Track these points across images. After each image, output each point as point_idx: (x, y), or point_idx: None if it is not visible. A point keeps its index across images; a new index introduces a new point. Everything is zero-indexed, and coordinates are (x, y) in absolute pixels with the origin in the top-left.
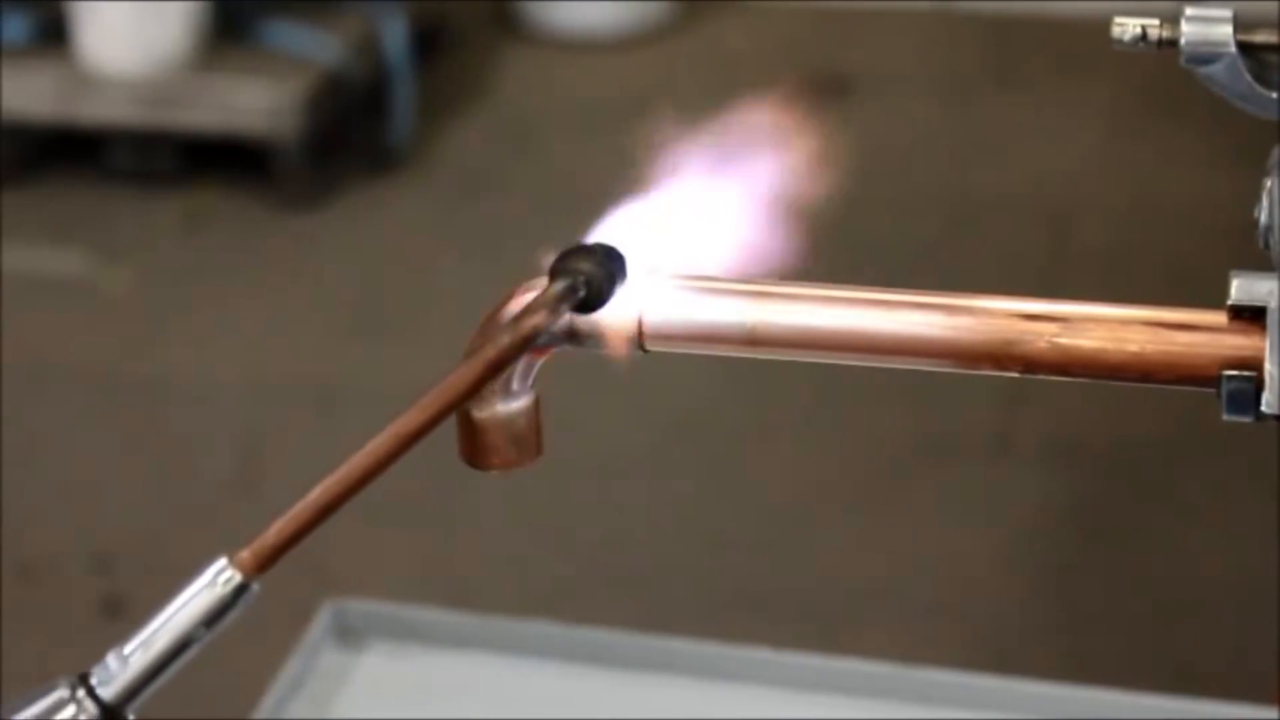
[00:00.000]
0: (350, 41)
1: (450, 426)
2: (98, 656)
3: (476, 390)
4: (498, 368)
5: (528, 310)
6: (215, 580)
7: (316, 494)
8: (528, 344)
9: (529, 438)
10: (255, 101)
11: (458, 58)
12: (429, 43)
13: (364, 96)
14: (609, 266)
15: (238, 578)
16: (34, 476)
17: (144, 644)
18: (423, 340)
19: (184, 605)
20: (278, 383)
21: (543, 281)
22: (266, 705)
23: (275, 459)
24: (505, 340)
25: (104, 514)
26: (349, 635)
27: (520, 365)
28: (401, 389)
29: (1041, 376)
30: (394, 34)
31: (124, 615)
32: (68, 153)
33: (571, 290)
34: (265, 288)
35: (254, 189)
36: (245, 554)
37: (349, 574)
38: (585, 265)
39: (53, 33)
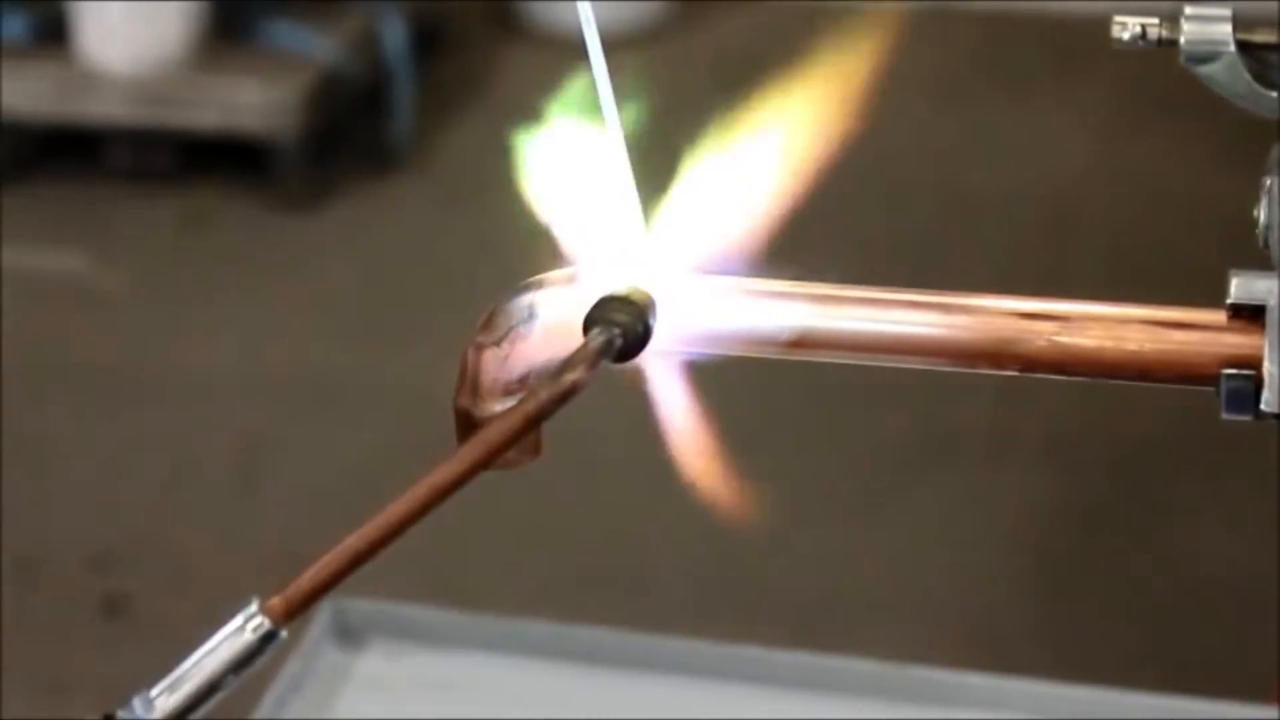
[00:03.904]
0: (350, 41)
1: (451, 423)
2: (97, 656)
3: (512, 444)
4: (535, 422)
5: (567, 365)
6: (245, 627)
7: (348, 544)
8: (567, 399)
9: (529, 438)
10: (254, 101)
11: (458, 58)
12: (429, 42)
13: (363, 96)
14: (644, 315)
15: (267, 624)
16: (34, 476)
17: (170, 687)
18: (421, 340)
19: (212, 650)
20: (277, 382)
21: (534, 281)
22: (266, 705)
23: (274, 458)
24: (544, 395)
25: (104, 513)
26: (349, 634)
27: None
28: (400, 388)
29: (1040, 375)
30: (394, 33)
31: (124, 615)
32: (66, 152)
33: (609, 344)
34: (264, 287)
35: (253, 188)
36: (276, 601)
37: None
38: (621, 316)
39: (52, 32)
